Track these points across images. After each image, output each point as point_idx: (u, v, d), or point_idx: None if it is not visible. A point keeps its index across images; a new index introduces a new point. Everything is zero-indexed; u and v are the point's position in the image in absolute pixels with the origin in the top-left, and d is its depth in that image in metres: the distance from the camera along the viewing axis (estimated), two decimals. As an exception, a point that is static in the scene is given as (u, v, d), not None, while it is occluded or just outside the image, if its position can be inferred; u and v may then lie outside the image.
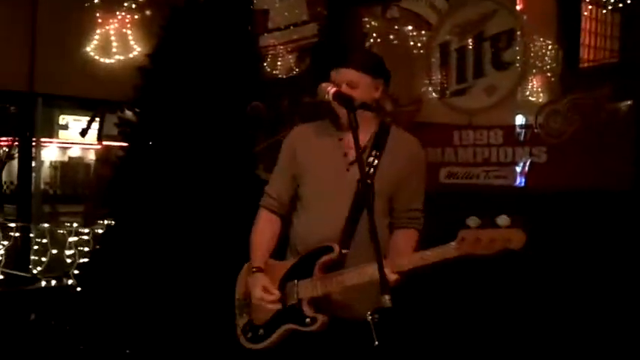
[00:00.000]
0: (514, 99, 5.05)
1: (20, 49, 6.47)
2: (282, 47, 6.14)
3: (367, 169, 2.77)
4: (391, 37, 5.77)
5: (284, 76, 6.15)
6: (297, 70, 6.09)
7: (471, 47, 5.15)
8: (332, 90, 2.72)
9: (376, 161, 2.82)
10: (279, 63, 6.17)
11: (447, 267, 2.49)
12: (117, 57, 6.82)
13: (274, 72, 6.19)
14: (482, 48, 5.07)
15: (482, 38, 5.07)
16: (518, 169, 4.84)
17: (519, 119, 5.19)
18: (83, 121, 17.09)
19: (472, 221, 2.34)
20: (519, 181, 4.84)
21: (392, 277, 2.51)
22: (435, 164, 5.06)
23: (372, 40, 5.81)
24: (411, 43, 5.67)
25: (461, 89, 5.22)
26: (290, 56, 6.11)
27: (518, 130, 4.99)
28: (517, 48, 4.90)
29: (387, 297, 2.32)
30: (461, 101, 5.22)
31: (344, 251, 2.75)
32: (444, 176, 5.15)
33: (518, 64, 4.91)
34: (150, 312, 5.01)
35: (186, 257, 5.06)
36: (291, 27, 6.11)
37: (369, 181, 2.72)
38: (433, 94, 5.39)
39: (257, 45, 6.08)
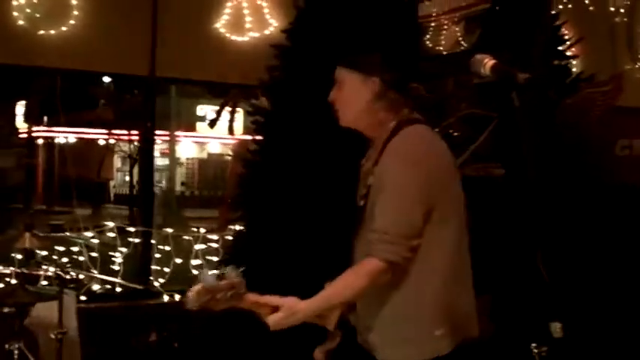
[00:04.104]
0: None
1: (141, 26, 6.51)
2: (446, 17, 5.91)
3: (364, 189, 2.87)
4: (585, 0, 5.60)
5: (448, 52, 5.91)
6: (464, 44, 5.83)
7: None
8: (490, 62, 2.55)
9: (371, 178, 2.86)
10: (442, 36, 5.95)
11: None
12: (250, 34, 6.82)
13: (437, 47, 5.97)
14: None
15: None
16: None
17: None
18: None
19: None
20: None
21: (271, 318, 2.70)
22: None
23: (560, 6, 5.59)
24: (611, 8, 5.51)
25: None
26: (456, 28, 5.87)
27: None
28: None
29: (557, 325, 2.26)
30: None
31: None
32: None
33: None
34: (290, 336, 4.95)
35: (331, 268, 4.96)
36: (458, -9, 5.95)
37: (361, 202, 2.86)
38: (640, 71, 5.11)
39: (416, 15, 5.92)
